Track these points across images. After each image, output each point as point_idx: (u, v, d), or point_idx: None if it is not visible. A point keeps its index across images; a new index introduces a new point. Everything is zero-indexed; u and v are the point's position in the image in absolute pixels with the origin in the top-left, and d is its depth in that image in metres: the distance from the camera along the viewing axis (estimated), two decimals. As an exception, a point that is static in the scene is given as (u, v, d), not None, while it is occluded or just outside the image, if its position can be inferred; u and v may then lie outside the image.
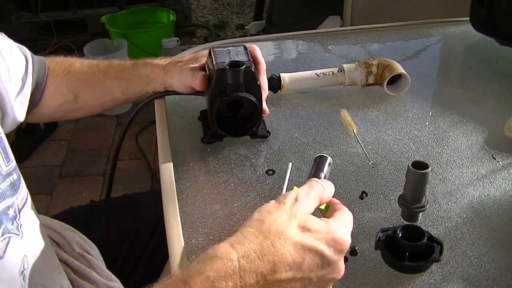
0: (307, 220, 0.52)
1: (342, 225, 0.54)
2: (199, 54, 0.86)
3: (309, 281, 0.50)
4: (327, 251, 0.50)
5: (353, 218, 0.66)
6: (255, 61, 0.81)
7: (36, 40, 2.78)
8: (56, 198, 2.00)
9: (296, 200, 0.54)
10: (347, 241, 0.52)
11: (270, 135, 0.82)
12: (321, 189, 0.57)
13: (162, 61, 0.87)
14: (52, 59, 0.90)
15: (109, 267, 0.79)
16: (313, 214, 0.54)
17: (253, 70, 0.76)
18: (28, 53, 0.85)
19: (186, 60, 0.85)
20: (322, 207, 0.58)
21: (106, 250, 0.82)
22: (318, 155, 0.67)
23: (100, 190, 2.03)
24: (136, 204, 0.98)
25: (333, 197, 0.66)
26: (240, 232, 0.50)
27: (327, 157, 0.66)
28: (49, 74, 0.88)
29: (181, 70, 0.83)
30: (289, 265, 0.48)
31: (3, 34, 0.80)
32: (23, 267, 0.58)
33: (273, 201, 0.54)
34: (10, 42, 0.81)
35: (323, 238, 0.51)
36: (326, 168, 0.65)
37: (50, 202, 1.97)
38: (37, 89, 0.86)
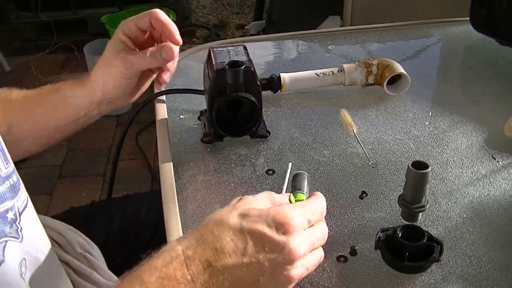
0: (249, 209, 0.51)
1: (291, 207, 0.52)
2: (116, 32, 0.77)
3: (260, 266, 0.48)
4: (268, 231, 0.49)
5: (353, 218, 0.67)
6: (160, 24, 0.75)
7: (36, 40, 2.78)
8: (56, 198, 2.00)
9: (241, 199, 0.54)
10: (294, 221, 0.50)
11: (270, 135, 0.82)
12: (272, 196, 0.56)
13: (87, 76, 0.78)
14: None
15: (109, 267, 0.79)
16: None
17: (253, 70, 0.76)
18: None
19: (107, 57, 0.75)
20: (292, 199, 0.58)
21: (106, 250, 0.82)
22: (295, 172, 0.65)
23: (100, 190, 2.03)
24: (136, 204, 0.98)
25: (333, 197, 0.66)
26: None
27: (304, 174, 0.65)
28: None
29: (107, 71, 0.75)
30: (232, 250, 0.48)
31: None
32: (21, 271, 0.58)
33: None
34: None
35: (262, 220, 0.50)
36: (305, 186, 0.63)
37: (50, 202, 1.97)
38: None
